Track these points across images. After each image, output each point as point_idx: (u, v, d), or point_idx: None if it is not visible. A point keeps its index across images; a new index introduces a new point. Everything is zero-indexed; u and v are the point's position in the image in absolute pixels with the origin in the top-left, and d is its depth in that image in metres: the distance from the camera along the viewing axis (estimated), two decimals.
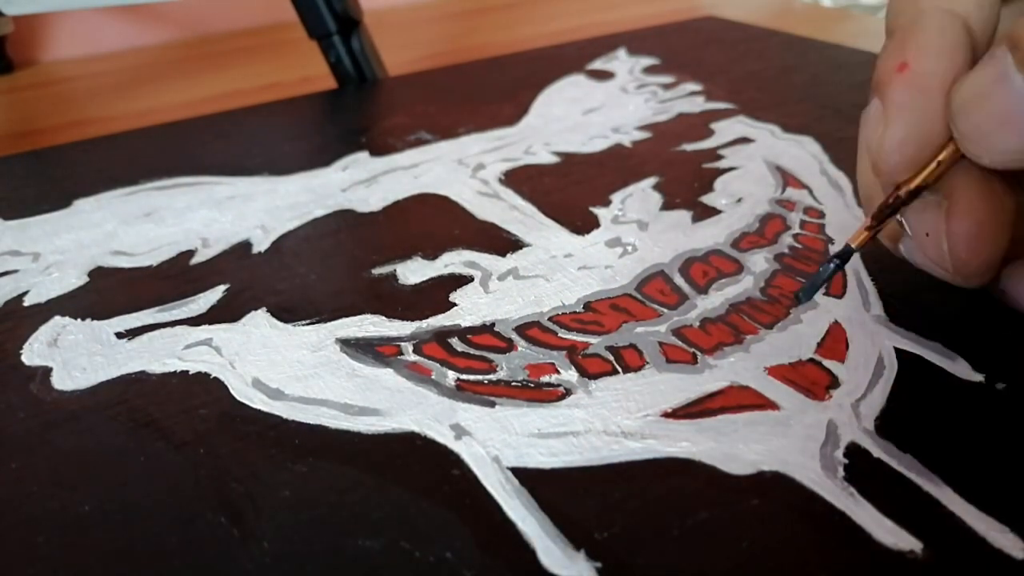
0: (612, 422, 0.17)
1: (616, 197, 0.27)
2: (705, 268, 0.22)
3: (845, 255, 0.19)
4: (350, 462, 0.16)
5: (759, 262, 0.22)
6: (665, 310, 0.21)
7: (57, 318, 0.22)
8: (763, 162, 0.29)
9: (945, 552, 0.14)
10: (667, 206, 0.26)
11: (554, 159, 0.30)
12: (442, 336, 0.20)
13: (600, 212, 0.26)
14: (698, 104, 0.34)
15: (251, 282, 0.23)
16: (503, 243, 0.24)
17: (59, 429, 0.18)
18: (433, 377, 0.19)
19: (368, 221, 0.26)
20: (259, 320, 0.21)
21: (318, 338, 0.20)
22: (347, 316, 0.21)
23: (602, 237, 0.24)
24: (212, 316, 0.22)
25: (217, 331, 0.21)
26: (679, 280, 0.22)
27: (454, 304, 0.21)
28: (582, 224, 0.25)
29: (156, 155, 0.32)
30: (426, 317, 0.21)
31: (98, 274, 0.24)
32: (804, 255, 0.23)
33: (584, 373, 0.18)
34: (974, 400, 0.17)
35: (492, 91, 0.37)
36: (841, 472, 0.15)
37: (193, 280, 0.23)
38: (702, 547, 0.14)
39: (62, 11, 0.51)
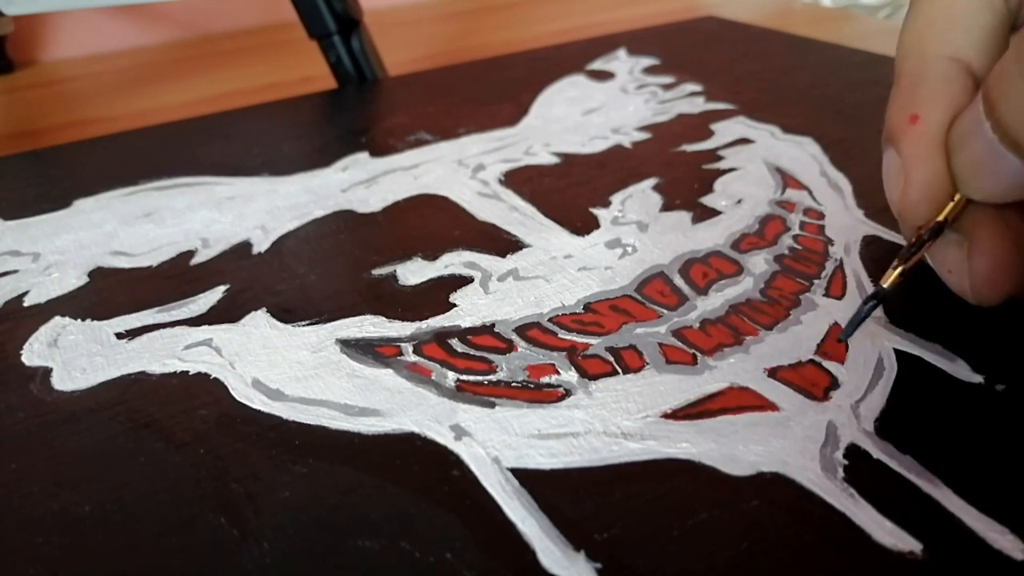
0: (612, 423, 0.17)
1: (616, 198, 0.27)
2: (705, 269, 0.22)
3: (880, 296, 0.18)
4: (350, 463, 0.16)
5: (759, 263, 0.22)
6: (665, 311, 0.21)
7: (57, 318, 0.22)
8: (763, 163, 0.29)
9: (945, 553, 0.14)
10: (667, 207, 0.26)
11: (554, 160, 0.30)
12: (442, 337, 0.20)
13: (600, 213, 0.26)
14: (698, 105, 0.34)
15: (251, 282, 0.23)
16: (503, 244, 0.24)
17: (59, 430, 0.18)
18: (433, 378, 0.19)
19: (368, 222, 0.26)
20: (259, 321, 0.21)
21: (318, 339, 0.20)
22: (347, 317, 0.21)
23: (602, 238, 0.24)
24: (212, 317, 0.22)
25: (217, 331, 0.21)
26: (679, 281, 0.22)
27: (454, 305, 0.21)
28: (582, 225, 0.25)
29: (156, 155, 0.32)
30: (426, 318, 0.21)
31: (98, 274, 0.24)
32: (804, 256, 0.23)
33: (584, 374, 0.18)
34: (974, 401, 0.17)
35: (492, 91, 0.37)
36: (841, 473, 0.16)
37: (193, 280, 0.23)
38: (702, 548, 0.14)
39: (62, 11, 0.51)
